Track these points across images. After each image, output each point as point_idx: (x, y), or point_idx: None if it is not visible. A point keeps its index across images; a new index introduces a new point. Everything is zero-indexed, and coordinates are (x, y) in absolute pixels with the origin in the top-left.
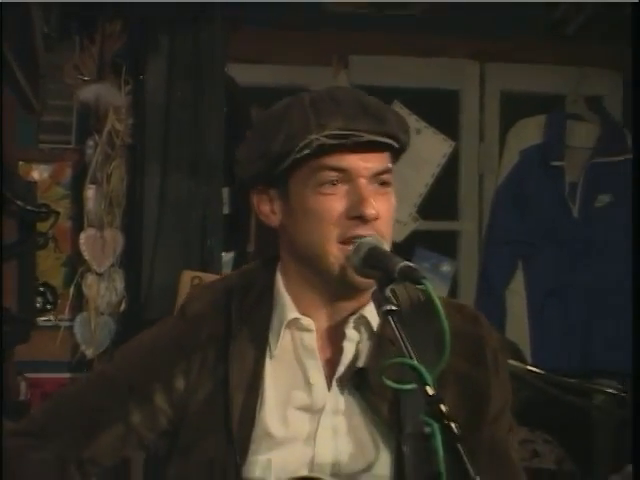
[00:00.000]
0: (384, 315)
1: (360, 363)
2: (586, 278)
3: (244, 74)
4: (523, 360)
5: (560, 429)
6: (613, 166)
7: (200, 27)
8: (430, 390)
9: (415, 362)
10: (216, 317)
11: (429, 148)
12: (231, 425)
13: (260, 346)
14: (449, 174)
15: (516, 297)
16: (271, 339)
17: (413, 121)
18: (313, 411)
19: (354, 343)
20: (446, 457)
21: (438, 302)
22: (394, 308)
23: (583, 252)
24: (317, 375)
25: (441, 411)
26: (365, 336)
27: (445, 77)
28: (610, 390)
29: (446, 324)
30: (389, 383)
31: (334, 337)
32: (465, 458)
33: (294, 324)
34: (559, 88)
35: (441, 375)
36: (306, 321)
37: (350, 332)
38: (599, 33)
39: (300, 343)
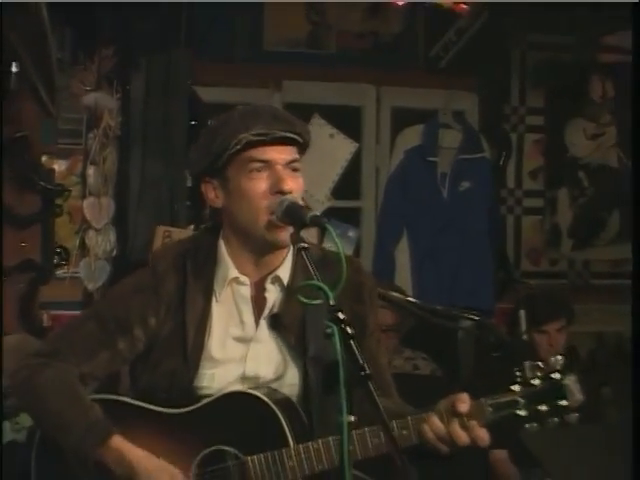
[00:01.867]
0: (299, 251)
1: (275, 309)
2: (453, 242)
3: (206, 94)
4: (405, 295)
5: (434, 349)
6: (472, 161)
7: (170, 54)
8: (331, 302)
9: (320, 283)
10: (176, 273)
11: (339, 148)
12: (186, 350)
13: (207, 294)
14: (354, 167)
15: (403, 255)
16: (216, 289)
17: (328, 129)
18: (245, 341)
19: (273, 294)
20: (343, 350)
21: (337, 238)
22: (306, 246)
23: (451, 223)
24: (248, 316)
25: (338, 317)
26: (279, 289)
27: (351, 97)
28: (471, 316)
29: (343, 252)
30: (302, 299)
31: (259, 289)
32: (356, 350)
33: (235, 280)
34: (433, 105)
35: None
36: (243, 278)
37: (269, 286)
38: (462, 66)
39: (238, 294)
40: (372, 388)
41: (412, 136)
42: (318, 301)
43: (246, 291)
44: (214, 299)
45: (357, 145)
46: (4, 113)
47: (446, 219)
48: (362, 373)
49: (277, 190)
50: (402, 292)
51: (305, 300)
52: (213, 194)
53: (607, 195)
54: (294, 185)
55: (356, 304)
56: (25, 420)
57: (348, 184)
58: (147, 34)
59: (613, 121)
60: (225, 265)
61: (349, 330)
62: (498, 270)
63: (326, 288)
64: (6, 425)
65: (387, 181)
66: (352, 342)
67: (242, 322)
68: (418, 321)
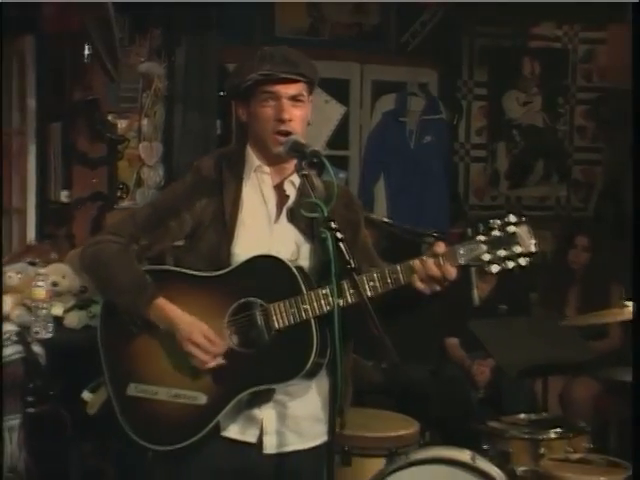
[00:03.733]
0: (301, 177)
1: (292, 205)
2: (418, 182)
3: (232, 69)
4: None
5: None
6: (432, 121)
7: (203, 34)
8: (325, 212)
9: (317, 200)
10: (215, 171)
11: (332, 111)
12: (225, 219)
13: (239, 181)
14: (343, 125)
15: (380, 192)
16: (245, 177)
17: (324, 96)
18: (269, 222)
19: (292, 193)
20: (335, 251)
21: (329, 166)
22: (306, 173)
23: (416, 168)
24: (272, 203)
25: (330, 225)
26: (294, 191)
27: (341, 71)
28: (429, 232)
29: (333, 176)
30: (305, 213)
31: (280, 188)
32: (345, 251)
33: (259, 169)
34: (404, 78)
35: (336, 219)
36: (265, 168)
37: (288, 187)
38: (425, 50)
39: (261, 180)
40: (356, 278)
41: (387, 102)
42: (316, 214)
43: (268, 179)
44: (244, 184)
45: (345, 108)
46: (79, 81)
47: (413, 165)
48: (348, 267)
49: (277, 118)
50: (379, 216)
51: (306, 213)
52: (240, 111)
53: (534, 148)
54: (295, 114)
55: (350, 213)
56: (97, 309)
57: (339, 138)
58: (186, 19)
59: (539, 92)
60: (251, 160)
61: (339, 235)
62: (452, 203)
63: (321, 204)
64: (82, 314)
65: (368, 136)
66: (341, 244)
67: (266, 204)
68: (391, 241)
